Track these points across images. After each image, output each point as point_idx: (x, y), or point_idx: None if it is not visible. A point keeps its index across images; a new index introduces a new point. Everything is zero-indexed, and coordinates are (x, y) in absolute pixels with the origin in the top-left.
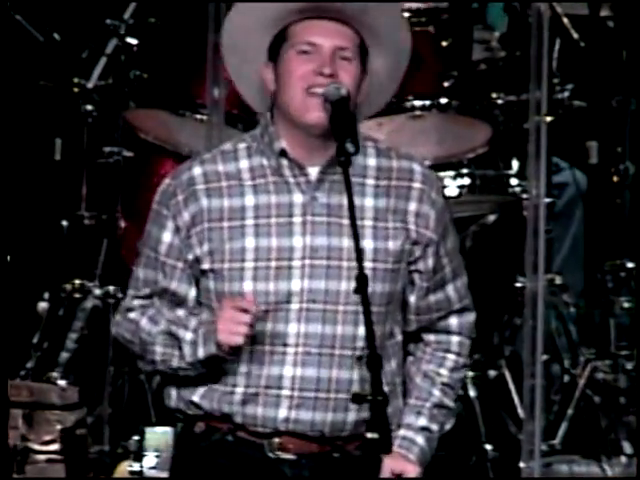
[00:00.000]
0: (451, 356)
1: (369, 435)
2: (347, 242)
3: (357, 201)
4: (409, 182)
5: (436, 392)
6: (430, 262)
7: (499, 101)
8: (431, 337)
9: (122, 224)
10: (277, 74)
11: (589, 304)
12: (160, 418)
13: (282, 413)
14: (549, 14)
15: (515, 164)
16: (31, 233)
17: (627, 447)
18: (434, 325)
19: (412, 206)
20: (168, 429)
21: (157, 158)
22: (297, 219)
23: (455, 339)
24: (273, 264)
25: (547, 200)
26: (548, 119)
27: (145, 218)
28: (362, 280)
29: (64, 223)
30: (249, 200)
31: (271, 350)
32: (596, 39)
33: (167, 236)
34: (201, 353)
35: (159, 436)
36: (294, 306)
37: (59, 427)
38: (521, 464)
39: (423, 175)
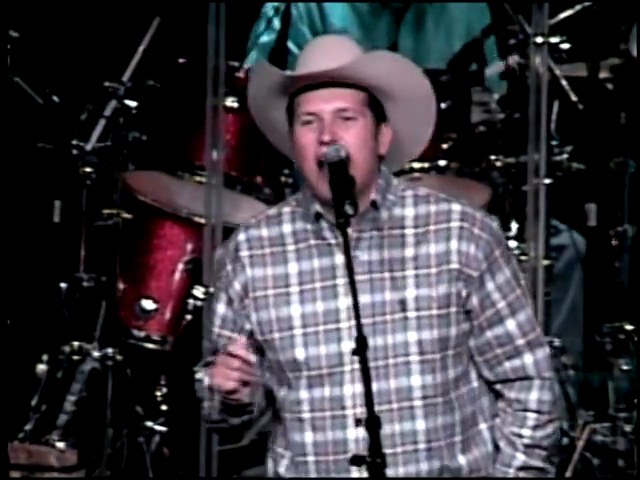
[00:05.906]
0: (531, 415)
1: None
2: (389, 295)
3: (398, 253)
4: (447, 223)
5: (519, 455)
6: (475, 300)
7: (498, 163)
8: (512, 394)
9: (121, 286)
10: (293, 145)
11: (588, 366)
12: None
13: (354, 475)
14: (548, 76)
15: (514, 226)
16: (30, 295)
17: None
18: (508, 369)
19: (453, 245)
20: None
21: (155, 220)
22: (340, 280)
23: (534, 395)
24: (321, 328)
25: (546, 262)
26: (547, 181)
27: (143, 280)
28: (361, 341)
29: (63, 285)
30: (292, 267)
31: (332, 415)
32: (595, 101)
33: (221, 308)
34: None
35: None
36: (347, 368)
37: None
38: None
39: (461, 213)
